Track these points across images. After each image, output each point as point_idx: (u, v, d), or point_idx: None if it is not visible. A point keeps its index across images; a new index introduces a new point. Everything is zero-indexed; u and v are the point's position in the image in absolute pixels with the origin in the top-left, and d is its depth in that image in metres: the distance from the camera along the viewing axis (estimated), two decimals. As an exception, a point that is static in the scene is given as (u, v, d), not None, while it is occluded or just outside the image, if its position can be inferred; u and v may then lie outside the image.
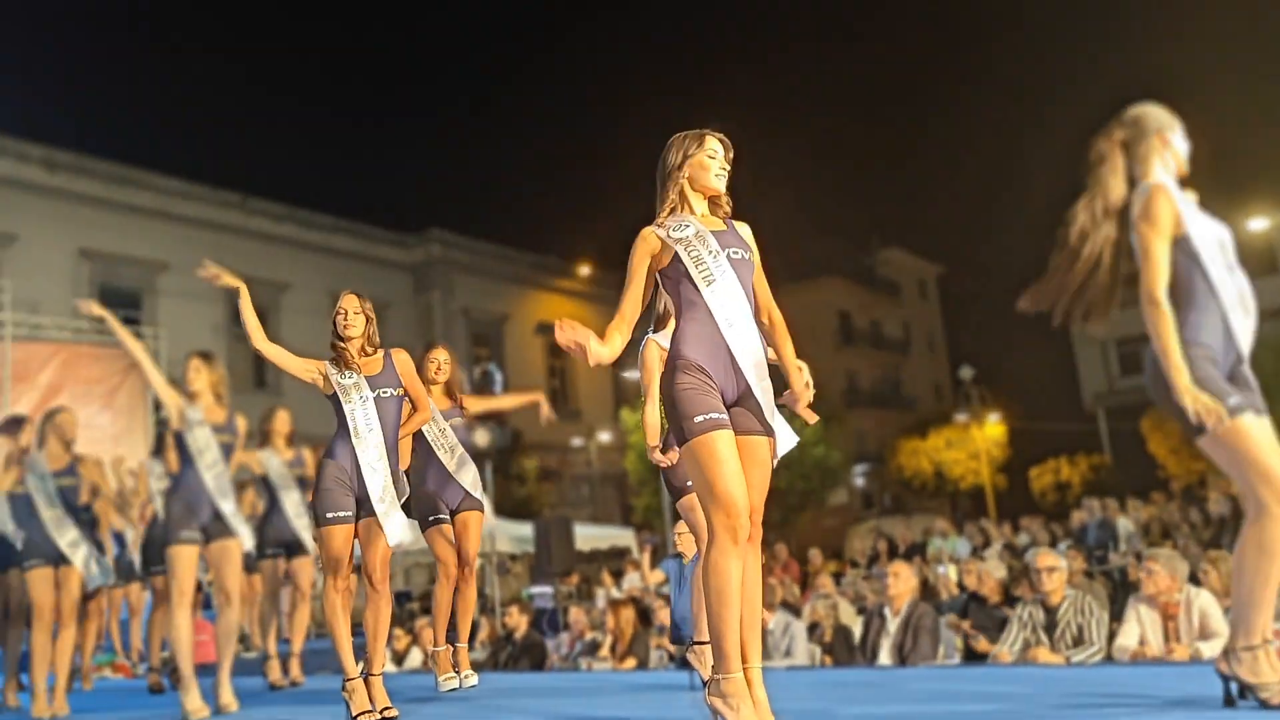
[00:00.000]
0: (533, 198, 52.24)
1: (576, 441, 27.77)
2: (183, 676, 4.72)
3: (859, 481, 35.43)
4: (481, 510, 4.49)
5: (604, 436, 27.23)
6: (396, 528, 3.87)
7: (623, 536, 18.12)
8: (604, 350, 2.75)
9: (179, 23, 47.93)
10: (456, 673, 4.39)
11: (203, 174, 25.14)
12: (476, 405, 4.68)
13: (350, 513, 3.89)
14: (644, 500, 23.89)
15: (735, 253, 2.88)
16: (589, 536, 16.41)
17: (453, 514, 4.38)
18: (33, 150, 19.41)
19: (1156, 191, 2.80)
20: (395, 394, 4.01)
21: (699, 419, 2.69)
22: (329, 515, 3.87)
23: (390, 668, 8.82)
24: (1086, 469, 27.29)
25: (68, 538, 5.45)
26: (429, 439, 4.37)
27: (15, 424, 6.09)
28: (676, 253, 2.84)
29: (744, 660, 2.75)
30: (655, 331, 3.87)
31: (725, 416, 2.73)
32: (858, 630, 6.74)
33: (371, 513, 3.88)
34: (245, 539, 4.89)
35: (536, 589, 12.45)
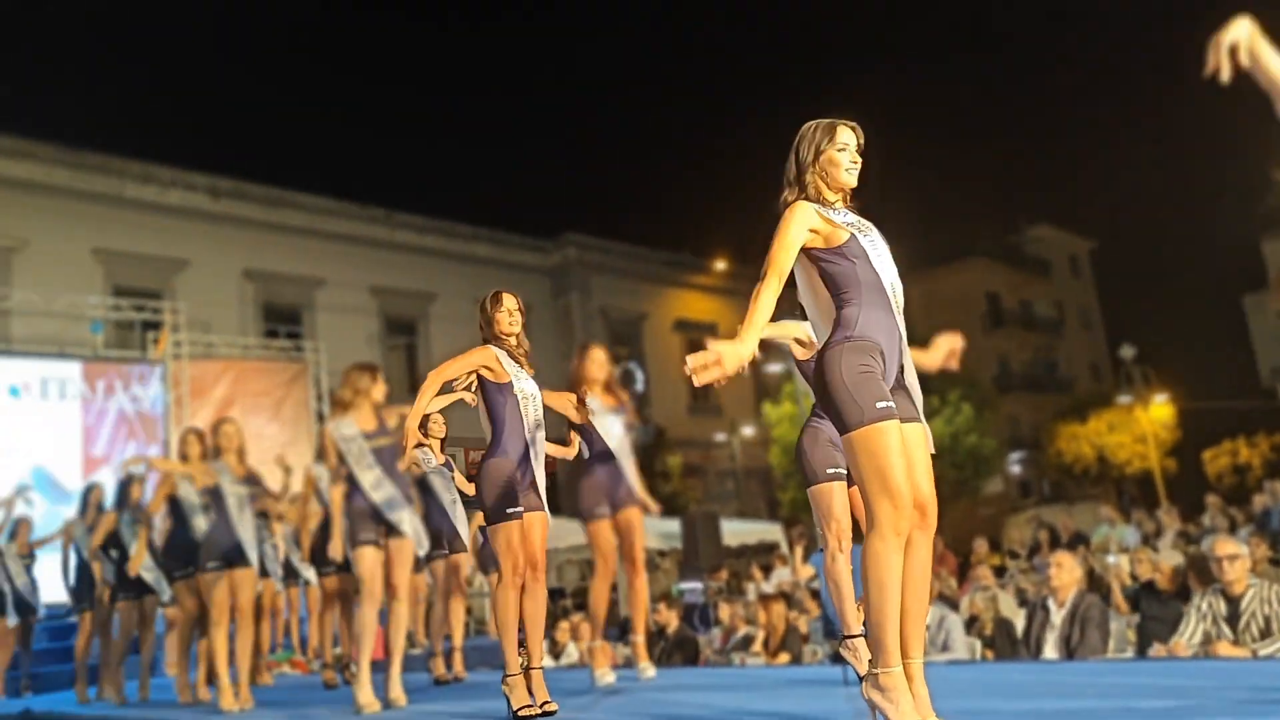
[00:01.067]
0: (665, 197, 52.51)
1: (719, 437, 27.73)
2: (359, 671, 4.94)
3: (1015, 469, 34.08)
4: (640, 507, 4.53)
5: (747, 431, 27.09)
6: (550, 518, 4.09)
7: (770, 531, 18.00)
8: (744, 347, 2.61)
9: (322, 48, 50.29)
10: (634, 665, 4.41)
11: (351, 192, 26.29)
12: None
13: (520, 509, 3.99)
14: (790, 494, 23.64)
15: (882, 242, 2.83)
16: (736, 531, 16.37)
17: (615, 510, 4.41)
18: (198, 179, 20.69)
19: None
20: (540, 394, 4.14)
21: (880, 405, 2.61)
22: (501, 513, 3.96)
23: (548, 662, 9.01)
24: (1267, 449, 25.48)
25: (246, 537, 5.80)
26: (598, 433, 4.41)
27: (184, 439, 6.51)
28: (854, 234, 2.75)
29: (905, 654, 2.68)
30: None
31: (895, 405, 2.67)
32: (1019, 624, 6.49)
33: (533, 507, 4.00)
34: (417, 542, 5.10)
35: (686, 584, 12.48)
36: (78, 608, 8.26)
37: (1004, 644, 6.44)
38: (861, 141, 2.88)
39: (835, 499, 3.62)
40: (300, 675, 8.71)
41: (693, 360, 2.61)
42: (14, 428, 13.32)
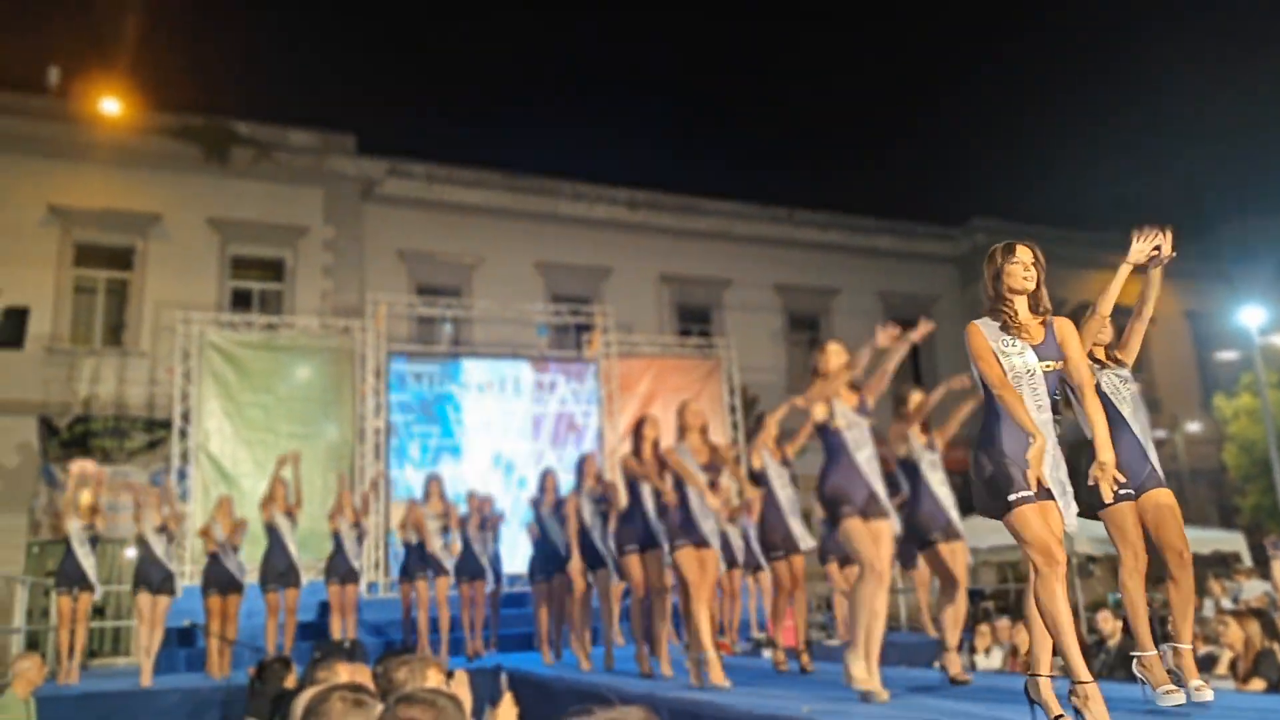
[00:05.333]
0: (1086, 172, 48.18)
1: (1159, 434, 24.94)
2: (854, 644, 4.88)
3: None
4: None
5: (1192, 427, 24.12)
6: (1072, 514, 3.55)
7: (1228, 540, 15.90)
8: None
9: (713, 59, 52.29)
10: (1180, 683, 3.80)
11: (754, 193, 27.13)
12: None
13: (1033, 492, 3.47)
14: (1251, 499, 20.70)
15: None
16: (1182, 539, 14.63)
17: (1138, 492, 3.95)
18: (618, 193, 22.49)
19: None
20: (1055, 368, 3.57)
21: None
22: (1013, 498, 3.45)
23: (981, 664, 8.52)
24: None
25: (708, 524, 6.11)
26: (1115, 407, 4.00)
27: (640, 424, 7.00)
28: None
29: None
30: None
31: None
32: None
33: (1046, 495, 3.50)
34: (894, 522, 5.21)
35: (1125, 594, 11.36)
36: (533, 579, 9.28)
37: None
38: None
39: None
40: (725, 655, 9.04)
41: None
42: (480, 420, 15.38)
